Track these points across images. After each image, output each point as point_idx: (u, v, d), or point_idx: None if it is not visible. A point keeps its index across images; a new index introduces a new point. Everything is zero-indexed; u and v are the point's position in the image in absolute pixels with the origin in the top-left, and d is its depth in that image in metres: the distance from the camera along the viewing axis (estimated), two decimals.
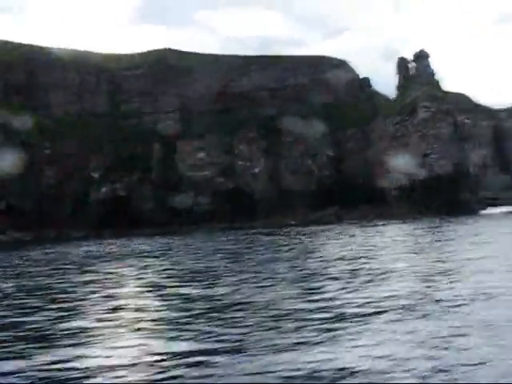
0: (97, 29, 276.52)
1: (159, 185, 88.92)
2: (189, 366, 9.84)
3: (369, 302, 14.56)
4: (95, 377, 9.67)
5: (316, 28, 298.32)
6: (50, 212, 79.63)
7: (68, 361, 10.55)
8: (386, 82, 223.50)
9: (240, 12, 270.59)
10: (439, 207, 73.81)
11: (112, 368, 9.98)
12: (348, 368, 9.24)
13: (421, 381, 8.57)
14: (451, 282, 17.25)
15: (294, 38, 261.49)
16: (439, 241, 36.08)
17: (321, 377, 9.00)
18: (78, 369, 10.03)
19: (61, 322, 14.48)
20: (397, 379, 8.64)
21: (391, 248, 31.52)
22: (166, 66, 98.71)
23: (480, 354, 9.64)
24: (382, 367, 9.22)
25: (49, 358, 10.80)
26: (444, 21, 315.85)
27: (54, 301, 18.46)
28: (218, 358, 10.13)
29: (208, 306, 15.45)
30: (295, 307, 14.43)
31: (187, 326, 12.94)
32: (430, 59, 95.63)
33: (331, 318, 12.89)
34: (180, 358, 10.31)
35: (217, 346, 11.02)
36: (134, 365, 10.10)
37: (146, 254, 38.77)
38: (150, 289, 20.16)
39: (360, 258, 26.33)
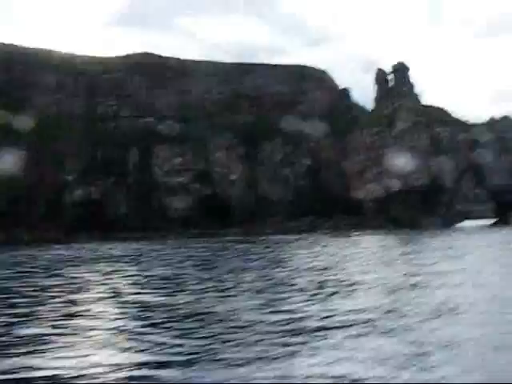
0: (77, 31, 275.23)
1: (135, 189, 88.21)
2: (133, 379, 9.37)
3: (332, 316, 14.17)
4: None
5: (297, 36, 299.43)
6: (23, 214, 78.60)
7: (13, 372, 10.03)
8: (364, 94, 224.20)
9: (221, 18, 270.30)
10: (413, 220, 73.87)
11: (52, 378, 9.50)
12: None
13: None
14: (418, 297, 16.94)
15: (275, 46, 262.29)
16: (410, 253, 35.86)
17: None
18: (17, 380, 9.54)
19: (13, 329, 13.96)
20: None
21: (362, 259, 31.24)
22: (145, 71, 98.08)
23: (440, 374, 9.28)
24: None
25: None
26: (425, 34, 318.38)
27: (11, 305, 17.93)
28: (166, 372, 9.66)
29: (166, 316, 14.98)
30: (256, 319, 13.99)
31: (141, 337, 12.46)
32: (409, 72, 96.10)
33: (291, 331, 12.47)
34: (127, 371, 9.83)
35: (167, 358, 10.54)
36: (76, 377, 9.61)
37: (115, 259, 38.24)
38: (112, 295, 19.62)
39: (329, 268, 25.99)
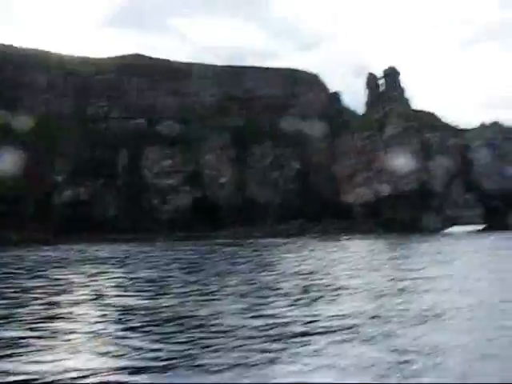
0: (70, 32, 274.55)
1: (124, 191, 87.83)
2: None
3: (315, 321, 13.95)
4: None
5: (289, 40, 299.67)
6: (12, 214, 78.04)
7: None
8: (355, 98, 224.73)
9: (214, 21, 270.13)
10: (403, 224, 73.84)
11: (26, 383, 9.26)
12: None
13: None
14: (404, 302, 16.72)
15: (267, 50, 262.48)
16: (398, 258, 35.71)
17: None
18: None
19: None
20: None
21: (350, 264, 31.02)
22: (136, 72, 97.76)
23: (422, 382, 9.10)
24: None
25: None
26: (416, 40, 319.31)
27: None
28: (141, 378, 9.42)
29: (147, 319, 14.72)
30: (237, 323, 13.75)
31: (119, 341, 12.20)
32: (400, 77, 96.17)
33: (273, 337, 12.23)
34: (103, 376, 9.58)
35: (145, 363, 10.28)
36: (50, 382, 9.34)
37: (101, 261, 37.93)
38: (94, 297, 19.32)
39: (316, 273, 25.76)
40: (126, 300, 18.45)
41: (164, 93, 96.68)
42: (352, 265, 30.36)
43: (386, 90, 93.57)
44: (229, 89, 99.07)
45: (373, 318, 14.44)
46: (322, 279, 23.08)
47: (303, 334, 12.44)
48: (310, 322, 13.87)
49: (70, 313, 16.31)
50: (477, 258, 35.82)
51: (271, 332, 12.72)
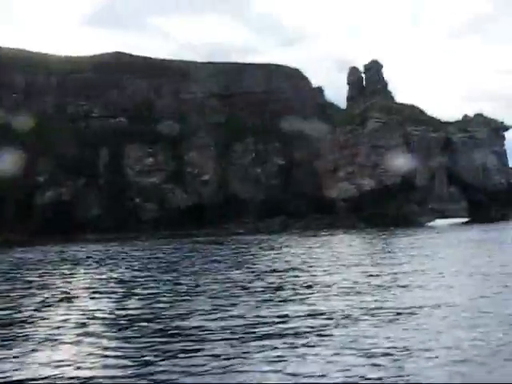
0: (49, 31, 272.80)
1: (106, 190, 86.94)
2: None
3: (282, 322, 13.38)
4: None
5: (271, 36, 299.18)
6: None
7: None
8: (339, 93, 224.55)
9: (194, 18, 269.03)
10: (386, 218, 73.48)
11: None
12: None
13: None
14: (378, 300, 16.18)
15: (248, 46, 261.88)
16: (379, 253, 35.20)
17: None
18: None
19: None
20: None
21: (328, 260, 30.47)
22: (116, 70, 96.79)
23: None
24: None
25: None
26: (400, 34, 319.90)
27: None
28: None
29: (108, 323, 14.16)
30: (201, 325, 13.16)
31: (71, 347, 11.60)
32: (382, 70, 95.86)
33: (235, 340, 11.64)
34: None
35: (95, 373, 9.69)
36: None
37: (77, 262, 37.18)
38: (60, 300, 18.71)
39: (292, 270, 25.24)
40: (91, 302, 17.84)
41: (144, 90, 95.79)
42: (331, 261, 29.81)
43: (368, 83, 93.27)
44: (210, 85, 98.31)
45: (344, 317, 13.93)
46: (297, 276, 22.53)
47: (267, 337, 11.86)
48: (278, 322, 13.31)
49: (31, 316, 15.71)
50: (459, 251, 35.44)
51: (234, 335, 12.14)
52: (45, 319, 15.30)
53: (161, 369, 9.77)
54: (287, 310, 14.88)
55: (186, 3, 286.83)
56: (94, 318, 15.07)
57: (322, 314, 14.27)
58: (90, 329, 13.50)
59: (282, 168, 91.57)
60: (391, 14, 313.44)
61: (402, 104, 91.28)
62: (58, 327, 14.03)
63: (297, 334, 12.07)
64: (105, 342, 11.90)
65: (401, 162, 78.56)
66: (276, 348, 10.90)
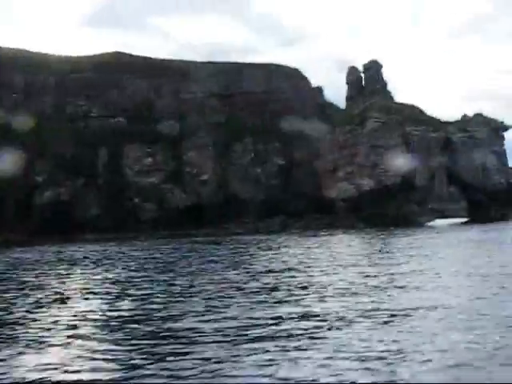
0: (50, 31, 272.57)
1: (105, 190, 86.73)
2: None
3: (276, 324, 13.14)
4: None
5: (272, 36, 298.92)
6: None
7: None
8: (338, 93, 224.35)
9: (194, 18, 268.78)
10: (386, 219, 73.24)
11: None
12: None
13: None
14: (374, 301, 15.94)
15: (249, 46, 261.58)
16: (377, 253, 34.96)
17: None
18: None
19: None
20: None
21: (326, 260, 30.26)
22: (116, 70, 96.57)
23: None
24: None
25: None
26: (400, 34, 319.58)
27: None
28: None
29: (99, 324, 13.93)
30: (194, 327, 12.94)
31: (60, 350, 11.38)
32: (382, 69, 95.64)
33: (227, 342, 11.42)
34: None
35: (84, 376, 9.48)
36: None
37: (74, 262, 37.00)
38: (53, 301, 18.52)
39: (289, 270, 25.02)
40: (84, 303, 17.64)
41: (144, 90, 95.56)
42: (329, 261, 29.60)
43: (368, 83, 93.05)
44: (210, 85, 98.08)
45: (339, 319, 13.69)
46: (294, 277, 22.31)
47: (259, 339, 11.64)
48: (271, 324, 13.08)
49: (22, 318, 15.51)
50: (458, 251, 35.22)
51: (226, 337, 11.92)
52: (36, 321, 15.08)
53: (149, 372, 9.55)
54: (281, 312, 14.65)
55: (186, 3, 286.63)
56: (86, 319, 14.87)
57: (315, 316, 14.05)
58: (81, 331, 13.29)
59: (281, 168, 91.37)
60: (391, 14, 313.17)
61: (401, 104, 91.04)
62: (49, 329, 13.81)
63: (289, 337, 11.83)
64: (94, 345, 11.68)
65: (400, 161, 78.32)
66: (268, 351, 10.66)
